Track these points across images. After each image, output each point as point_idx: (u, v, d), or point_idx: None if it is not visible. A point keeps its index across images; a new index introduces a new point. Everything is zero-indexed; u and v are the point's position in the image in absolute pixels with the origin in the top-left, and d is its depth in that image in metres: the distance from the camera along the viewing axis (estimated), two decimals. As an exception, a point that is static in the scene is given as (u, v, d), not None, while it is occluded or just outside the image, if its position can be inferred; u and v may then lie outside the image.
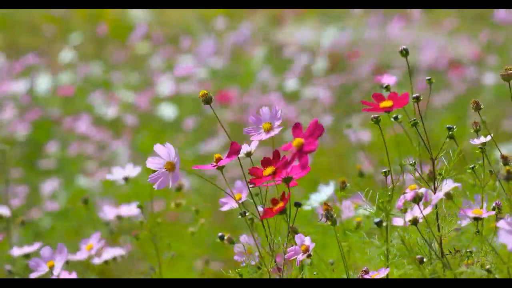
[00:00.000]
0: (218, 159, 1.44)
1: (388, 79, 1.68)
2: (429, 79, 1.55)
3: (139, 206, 1.83)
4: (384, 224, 1.42)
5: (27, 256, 1.91)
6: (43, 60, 6.35)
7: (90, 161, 4.92)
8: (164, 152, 1.42)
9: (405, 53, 1.52)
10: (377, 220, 1.35)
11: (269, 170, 1.39)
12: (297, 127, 1.37)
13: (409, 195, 1.39)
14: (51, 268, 1.61)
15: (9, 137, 5.22)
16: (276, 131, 1.43)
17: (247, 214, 1.47)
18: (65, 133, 5.30)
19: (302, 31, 6.90)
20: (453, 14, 6.90)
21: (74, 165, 4.90)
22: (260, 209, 1.44)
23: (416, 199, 1.36)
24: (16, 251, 1.92)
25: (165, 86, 5.79)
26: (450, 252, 1.44)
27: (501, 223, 1.25)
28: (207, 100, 1.46)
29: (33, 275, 1.62)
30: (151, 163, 1.43)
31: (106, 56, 6.66)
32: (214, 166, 1.44)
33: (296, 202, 1.44)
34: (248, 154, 1.48)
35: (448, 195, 1.36)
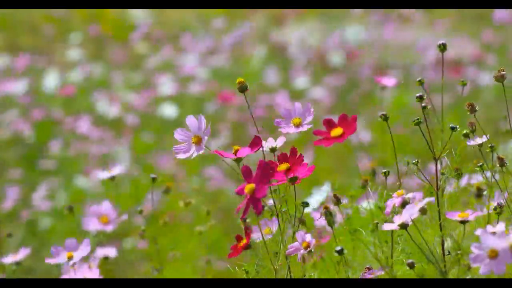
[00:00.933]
0: (237, 151, 1.44)
1: (388, 81, 1.68)
2: (420, 80, 1.54)
3: (140, 211, 1.83)
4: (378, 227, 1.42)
5: (18, 263, 1.90)
6: (44, 60, 6.34)
7: (91, 161, 4.92)
8: (195, 124, 1.43)
9: (442, 47, 1.52)
10: (338, 248, 1.35)
11: (284, 165, 1.40)
12: (246, 171, 1.36)
13: (397, 200, 1.40)
14: (70, 258, 1.62)
15: (9, 137, 5.22)
16: (305, 127, 1.44)
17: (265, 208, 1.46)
18: (66, 133, 5.30)
19: (302, 30, 6.90)
20: (453, 14, 6.90)
21: (75, 165, 4.90)
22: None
23: (404, 205, 1.37)
24: (8, 259, 1.91)
25: (166, 86, 5.79)
26: (449, 252, 1.44)
27: (474, 247, 1.25)
28: (242, 88, 1.47)
29: (48, 260, 1.62)
30: (179, 134, 1.44)
31: (107, 56, 6.66)
32: (233, 156, 1.44)
33: (303, 202, 1.44)
34: (273, 150, 1.47)
35: (423, 210, 1.36)
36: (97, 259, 1.79)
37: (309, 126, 1.45)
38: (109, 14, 7.28)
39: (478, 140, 1.50)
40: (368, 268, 1.44)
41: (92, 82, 6.08)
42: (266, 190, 1.33)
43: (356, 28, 6.65)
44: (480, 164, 1.49)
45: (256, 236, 1.52)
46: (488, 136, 1.50)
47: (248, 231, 1.41)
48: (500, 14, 6.14)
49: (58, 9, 7.07)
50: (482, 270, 1.24)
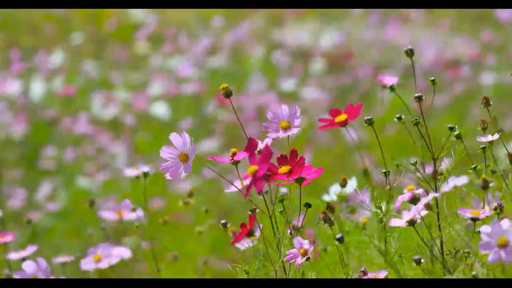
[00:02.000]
0: (234, 154, 1.45)
1: (390, 80, 1.69)
2: (433, 80, 1.56)
3: (140, 207, 1.83)
4: (382, 224, 1.43)
5: (24, 259, 1.91)
6: (43, 60, 6.34)
7: (89, 162, 4.92)
8: (179, 141, 1.43)
9: (410, 53, 1.53)
10: (338, 236, 1.35)
11: (284, 168, 1.42)
12: (251, 154, 1.40)
13: (406, 195, 1.39)
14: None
15: (8, 138, 5.22)
16: (294, 130, 1.46)
17: (257, 210, 1.47)
18: (64, 133, 5.30)
19: (302, 31, 6.90)
20: (453, 14, 6.90)
21: (73, 166, 4.90)
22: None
23: (414, 200, 1.36)
24: (14, 255, 1.92)
25: (161, 85, 5.79)
26: (450, 252, 1.44)
27: (483, 234, 1.25)
28: (227, 94, 1.48)
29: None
30: (165, 152, 1.44)
31: (106, 56, 6.66)
32: (230, 160, 1.45)
33: (306, 203, 1.45)
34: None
35: (428, 207, 1.36)
36: (113, 261, 1.80)
37: (298, 129, 1.45)
38: (109, 14, 7.28)
39: (490, 138, 1.51)
40: (362, 271, 1.44)
41: (91, 82, 6.08)
42: (266, 169, 1.36)
43: (332, 29, 6.65)
44: (474, 166, 1.49)
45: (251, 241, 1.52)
46: (499, 134, 1.51)
47: (251, 218, 1.42)
48: (503, 14, 6.15)
49: (58, 9, 7.07)
50: (491, 257, 1.24)
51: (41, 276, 1.62)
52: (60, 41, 6.80)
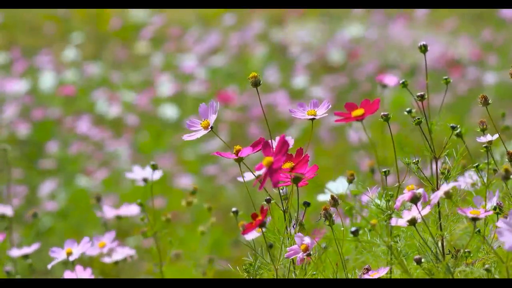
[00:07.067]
0: (238, 151, 1.47)
1: (390, 80, 1.69)
2: (446, 79, 1.56)
3: (140, 204, 1.83)
4: (385, 223, 1.42)
5: (26, 256, 1.91)
6: (45, 59, 6.34)
7: (90, 161, 4.92)
8: (206, 110, 1.48)
9: (424, 48, 1.54)
10: (353, 229, 1.35)
11: (288, 164, 1.43)
12: (266, 145, 1.41)
13: (407, 195, 1.39)
14: (69, 254, 1.63)
15: (10, 137, 5.22)
16: (317, 116, 1.50)
17: (271, 201, 1.48)
18: (66, 133, 5.30)
19: (303, 30, 6.90)
20: (454, 14, 6.90)
21: (75, 165, 4.90)
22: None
23: (414, 199, 1.35)
24: (15, 252, 1.92)
25: (166, 86, 5.79)
26: (450, 251, 1.43)
27: (501, 222, 1.25)
28: (256, 83, 1.50)
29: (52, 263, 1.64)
30: (189, 123, 1.50)
31: (107, 56, 6.66)
32: (234, 157, 1.47)
33: (305, 202, 1.46)
34: None
35: (447, 194, 1.36)
36: (118, 257, 1.80)
37: (323, 116, 1.48)
38: (109, 14, 7.28)
39: (489, 137, 1.51)
40: (366, 268, 1.44)
41: (93, 82, 6.08)
42: (283, 161, 1.38)
43: (356, 26, 6.66)
44: (476, 164, 1.49)
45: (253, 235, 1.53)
46: (498, 133, 1.51)
47: (263, 209, 1.42)
48: (507, 12, 6.15)
49: (58, 9, 7.07)
50: (507, 245, 1.24)
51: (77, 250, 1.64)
52: (60, 40, 6.80)
